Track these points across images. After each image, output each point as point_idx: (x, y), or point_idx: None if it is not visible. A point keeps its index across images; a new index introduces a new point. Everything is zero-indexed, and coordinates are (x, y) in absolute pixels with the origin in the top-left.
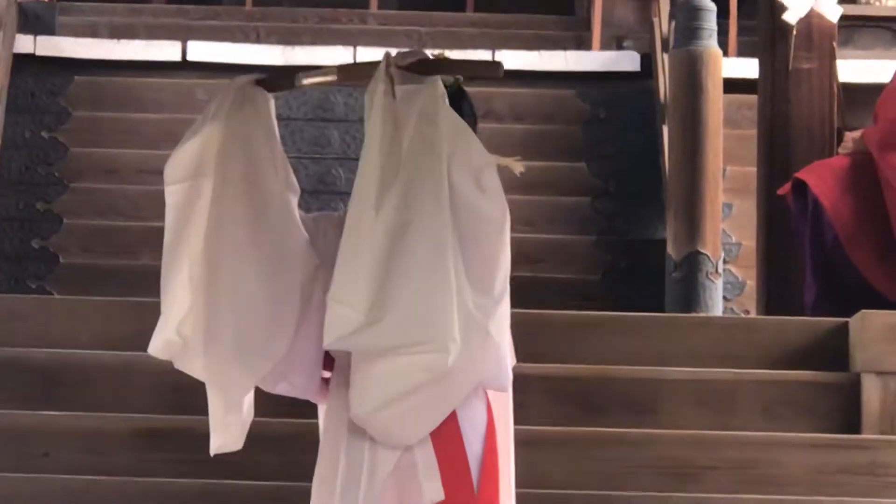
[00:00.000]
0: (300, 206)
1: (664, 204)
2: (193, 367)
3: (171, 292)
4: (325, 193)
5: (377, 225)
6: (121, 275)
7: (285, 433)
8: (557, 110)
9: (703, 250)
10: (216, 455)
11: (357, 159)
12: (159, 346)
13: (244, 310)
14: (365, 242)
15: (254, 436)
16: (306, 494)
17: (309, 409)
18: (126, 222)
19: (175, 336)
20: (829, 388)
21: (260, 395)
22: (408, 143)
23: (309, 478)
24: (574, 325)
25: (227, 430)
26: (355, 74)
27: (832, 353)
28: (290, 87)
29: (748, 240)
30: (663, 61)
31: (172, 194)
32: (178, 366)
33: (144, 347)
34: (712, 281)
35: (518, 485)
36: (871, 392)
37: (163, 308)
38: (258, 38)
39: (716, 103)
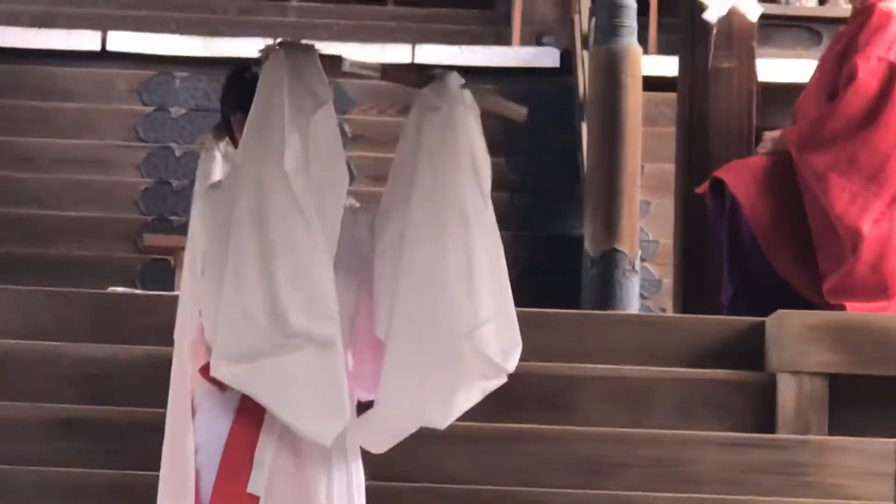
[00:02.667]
0: None
1: (582, 200)
2: None
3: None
4: None
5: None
6: (36, 264)
7: None
8: None
9: (620, 248)
10: (126, 446)
11: None
12: None
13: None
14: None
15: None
16: None
17: None
18: (42, 211)
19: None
20: (744, 388)
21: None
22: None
23: None
24: None
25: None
26: (398, 77)
27: (748, 352)
28: (333, 73)
29: (665, 238)
30: (583, 58)
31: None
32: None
33: (60, 336)
34: (629, 278)
35: (433, 480)
36: (787, 392)
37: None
38: (178, 29)
39: (635, 101)
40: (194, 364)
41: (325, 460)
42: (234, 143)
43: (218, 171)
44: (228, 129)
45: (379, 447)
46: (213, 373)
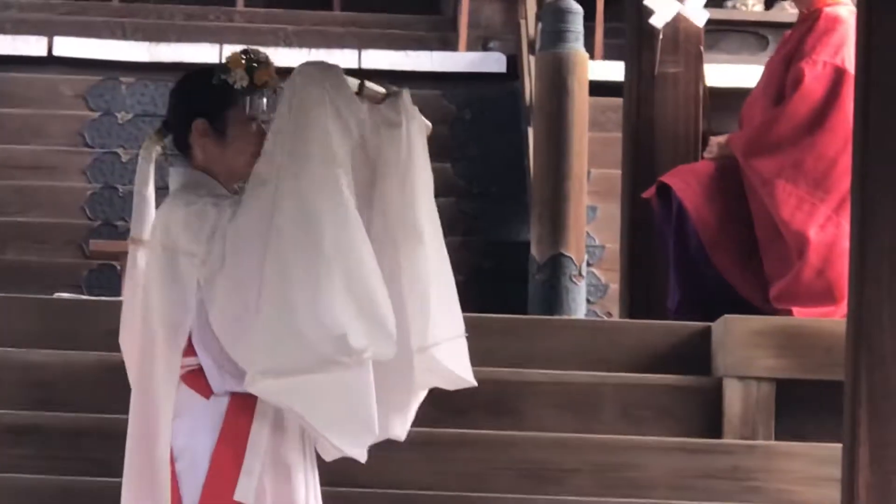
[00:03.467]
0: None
1: (529, 206)
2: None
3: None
4: None
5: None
6: None
7: None
8: (423, 111)
9: (566, 253)
10: (74, 452)
11: None
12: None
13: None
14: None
15: (112, 434)
16: None
17: None
18: None
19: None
20: (691, 392)
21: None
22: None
23: None
24: None
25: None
26: (370, 96)
27: (695, 357)
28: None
29: (612, 243)
30: (529, 63)
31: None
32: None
33: (6, 342)
34: (575, 283)
35: (378, 485)
36: (733, 396)
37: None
38: (124, 35)
39: (581, 106)
40: (171, 371)
41: (305, 469)
42: (180, 147)
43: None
44: (180, 133)
45: (331, 455)
46: (248, 387)
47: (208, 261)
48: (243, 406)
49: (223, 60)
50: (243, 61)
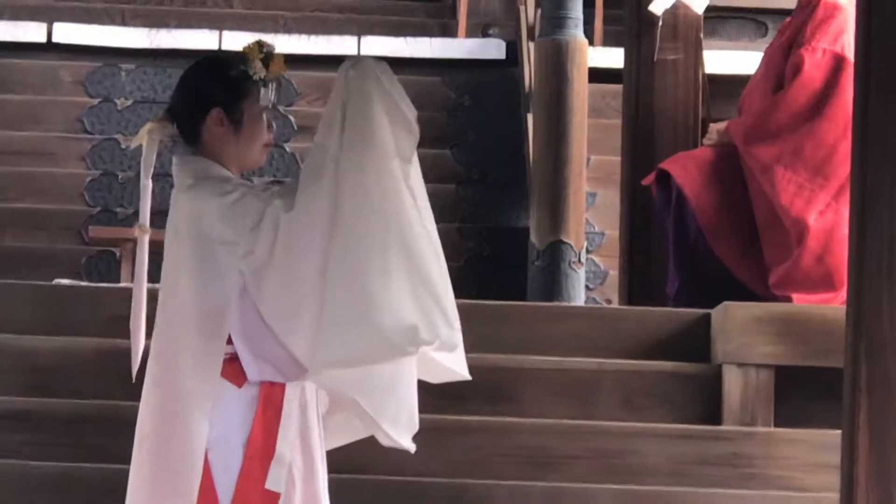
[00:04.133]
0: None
1: (528, 192)
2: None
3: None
4: None
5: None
6: None
7: None
8: (423, 97)
9: (565, 239)
10: (71, 438)
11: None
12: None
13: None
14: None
15: (110, 420)
16: None
17: None
18: None
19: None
20: (690, 379)
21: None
22: None
23: None
24: None
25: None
26: None
27: (694, 344)
28: None
29: (611, 229)
30: (529, 50)
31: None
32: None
33: (5, 328)
34: (575, 270)
35: (376, 472)
36: (732, 383)
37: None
38: (124, 21)
39: (581, 93)
40: (208, 359)
41: (323, 458)
42: (188, 135)
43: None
44: (192, 120)
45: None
46: (312, 378)
47: (255, 252)
48: (273, 394)
49: (241, 50)
50: (260, 53)
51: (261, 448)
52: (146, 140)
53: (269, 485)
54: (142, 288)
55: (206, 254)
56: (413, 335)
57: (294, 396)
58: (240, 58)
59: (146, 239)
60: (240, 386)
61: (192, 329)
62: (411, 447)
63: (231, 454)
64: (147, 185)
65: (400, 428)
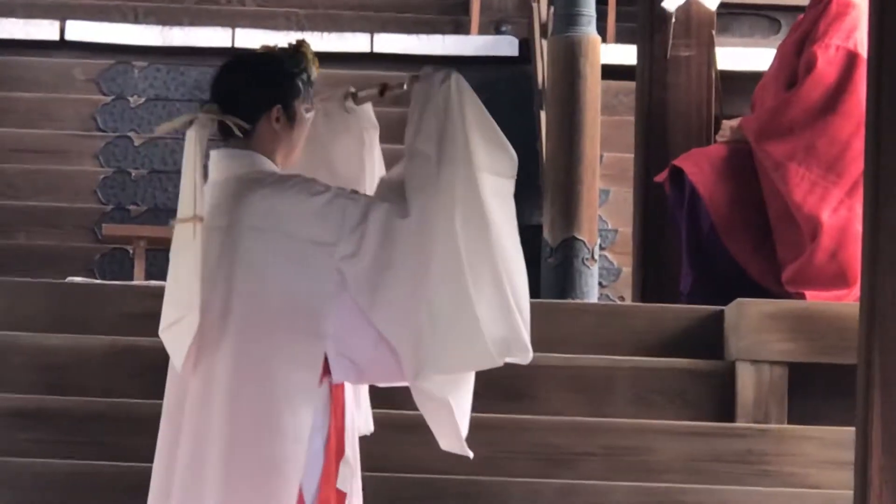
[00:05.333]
0: (177, 187)
1: (541, 189)
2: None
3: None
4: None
5: None
6: None
7: (153, 415)
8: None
9: (579, 236)
10: (85, 436)
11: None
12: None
13: None
14: None
15: (123, 418)
16: None
17: None
18: (2, 201)
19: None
20: (703, 376)
21: (131, 378)
22: None
23: None
24: None
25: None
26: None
27: (707, 340)
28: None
29: (624, 226)
30: (542, 47)
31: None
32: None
33: (18, 326)
34: (588, 267)
35: (390, 469)
36: (746, 380)
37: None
38: (137, 19)
39: (594, 89)
40: (306, 357)
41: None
42: (241, 129)
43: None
44: (248, 115)
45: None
46: (422, 383)
47: (359, 254)
48: (338, 395)
49: (299, 49)
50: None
51: (335, 448)
52: (196, 130)
53: (340, 484)
54: (196, 280)
55: (294, 253)
56: (505, 348)
57: (350, 396)
58: (296, 56)
59: (199, 229)
60: (318, 386)
61: (284, 326)
62: (470, 452)
63: (314, 455)
64: (199, 176)
65: (465, 431)
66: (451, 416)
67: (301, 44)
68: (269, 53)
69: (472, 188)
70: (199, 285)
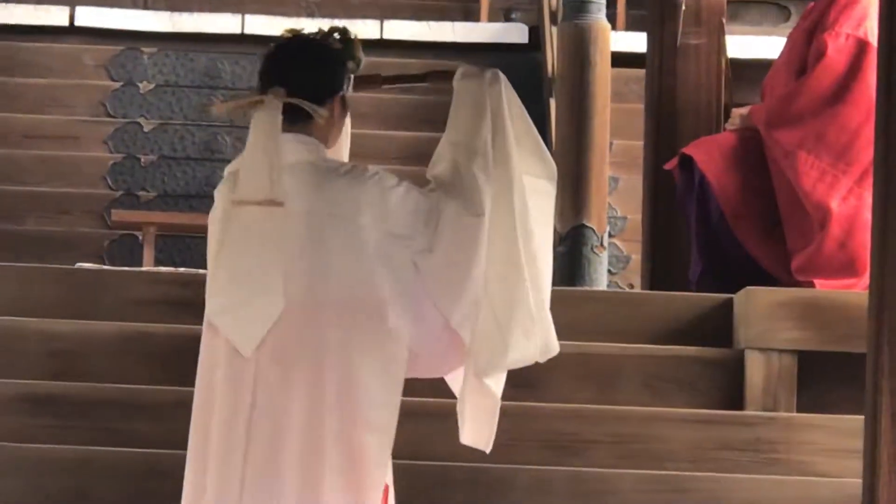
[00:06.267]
0: (186, 173)
1: None
2: None
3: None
4: (212, 161)
5: None
6: (6, 240)
7: (161, 401)
8: None
9: (588, 224)
10: (93, 422)
11: (245, 127)
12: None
13: None
14: None
15: (131, 404)
16: (181, 461)
17: (181, 378)
18: (11, 187)
19: None
20: (712, 364)
21: (139, 364)
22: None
23: (185, 445)
24: None
25: None
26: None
27: (716, 328)
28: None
29: (634, 214)
30: (551, 34)
31: None
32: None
33: (27, 312)
34: (597, 254)
35: (399, 457)
36: (755, 368)
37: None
38: (146, 5)
39: (604, 77)
40: (378, 347)
41: None
42: (304, 114)
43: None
44: (319, 100)
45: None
46: (487, 379)
47: (434, 250)
48: None
49: (351, 39)
50: None
51: None
52: (268, 112)
53: (388, 479)
54: (276, 264)
55: (375, 244)
56: (545, 346)
57: None
58: (352, 44)
59: (278, 213)
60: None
61: (367, 318)
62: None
63: None
64: (276, 159)
65: None
66: (496, 413)
67: (347, 31)
68: (323, 43)
69: (522, 190)
70: (279, 270)
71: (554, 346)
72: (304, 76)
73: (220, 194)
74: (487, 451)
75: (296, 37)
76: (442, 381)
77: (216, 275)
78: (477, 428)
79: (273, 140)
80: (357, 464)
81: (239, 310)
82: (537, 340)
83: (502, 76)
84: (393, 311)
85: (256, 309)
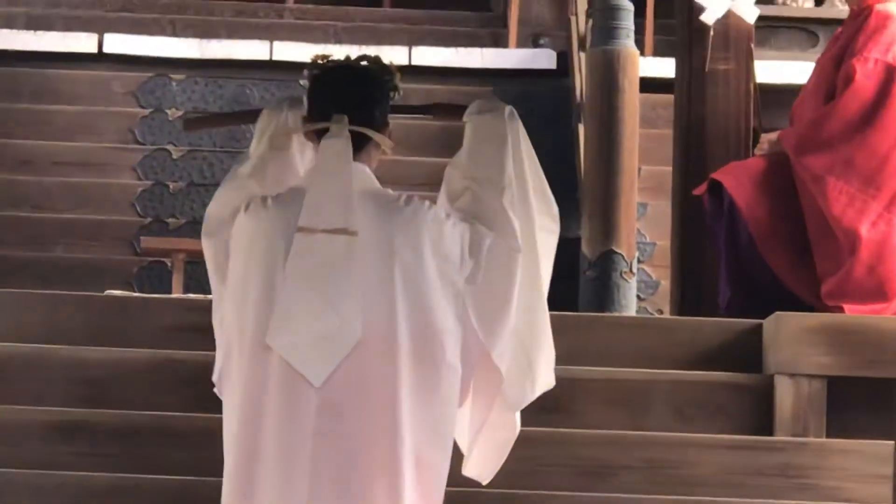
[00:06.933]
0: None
1: (579, 203)
2: None
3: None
4: None
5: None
6: (34, 267)
7: (193, 428)
8: None
9: (617, 249)
10: (124, 449)
11: None
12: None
13: None
14: None
15: (162, 431)
16: (213, 489)
17: (212, 405)
18: (40, 214)
19: None
20: (742, 390)
21: (170, 391)
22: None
23: (217, 472)
24: None
25: None
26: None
27: (746, 354)
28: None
29: (663, 240)
30: (580, 60)
31: None
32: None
33: (57, 340)
34: (626, 280)
35: None
36: (784, 394)
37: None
38: (175, 32)
39: (632, 103)
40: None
41: None
42: (363, 142)
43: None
44: (379, 129)
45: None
46: (526, 402)
47: (475, 282)
48: None
49: (392, 68)
50: None
51: None
52: (342, 140)
53: None
54: (355, 294)
55: (439, 275)
56: (551, 375)
57: None
58: (395, 77)
59: (354, 243)
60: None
61: (439, 348)
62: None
63: None
64: (351, 189)
65: None
66: (510, 445)
67: (381, 60)
68: (377, 73)
69: (533, 224)
70: (356, 300)
71: (552, 379)
72: (367, 106)
73: (252, 220)
74: (485, 483)
75: (349, 64)
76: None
77: (279, 300)
78: (484, 461)
79: (346, 168)
80: (427, 486)
81: (310, 340)
82: (552, 368)
83: (515, 113)
84: (449, 343)
85: (331, 340)
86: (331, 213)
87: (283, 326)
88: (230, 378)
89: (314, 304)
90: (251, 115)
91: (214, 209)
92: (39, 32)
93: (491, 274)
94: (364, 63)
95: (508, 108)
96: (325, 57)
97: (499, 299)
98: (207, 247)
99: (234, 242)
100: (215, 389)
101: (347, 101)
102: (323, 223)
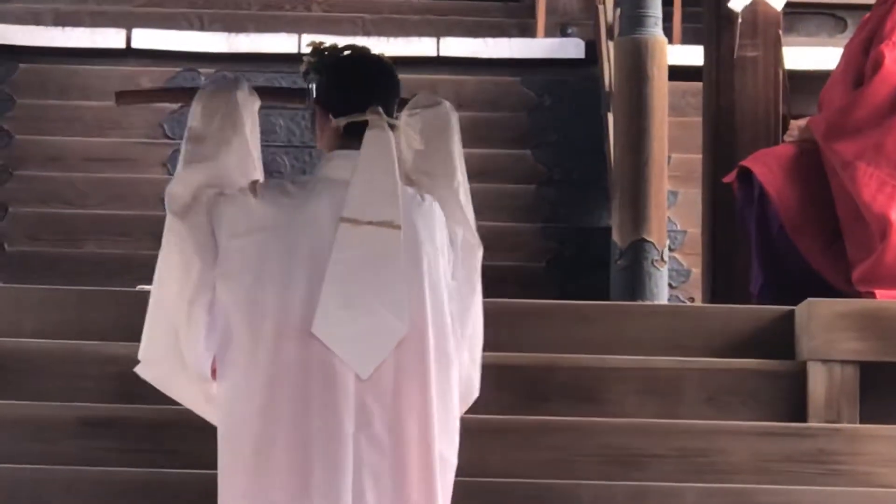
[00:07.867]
0: None
1: (609, 191)
2: None
3: None
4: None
5: None
6: (66, 263)
7: None
8: (502, 97)
9: (648, 238)
10: (157, 444)
11: (302, 146)
12: None
13: None
14: None
15: (198, 426)
16: None
17: None
18: (71, 210)
19: None
20: (774, 377)
21: None
22: None
23: None
24: (518, 313)
25: None
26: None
27: (778, 341)
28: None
29: (693, 227)
30: (608, 48)
31: None
32: None
33: (89, 336)
34: (657, 269)
35: (460, 473)
36: (817, 380)
37: None
38: (202, 26)
39: (661, 91)
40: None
41: None
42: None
43: None
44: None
45: None
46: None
47: (455, 274)
48: None
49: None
50: None
51: None
52: (380, 130)
53: None
54: (402, 289)
55: (444, 269)
56: None
57: None
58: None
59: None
60: None
61: (444, 340)
62: None
63: None
64: (396, 180)
65: None
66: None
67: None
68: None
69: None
70: (403, 293)
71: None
72: (392, 98)
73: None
74: None
75: (375, 55)
76: (497, 396)
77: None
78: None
79: (392, 161)
80: (447, 486)
81: (357, 332)
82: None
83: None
84: (452, 338)
85: (378, 332)
86: (377, 205)
87: (328, 316)
88: (235, 364)
89: (361, 297)
90: (186, 94)
91: (181, 189)
92: (67, 29)
93: (463, 267)
94: (361, 53)
95: (445, 101)
96: (321, 44)
97: (468, 294)
98: (178, 228)
99: (236, 225)
100: (138, 368)
101: (381, 92)
102: (369, 215)
